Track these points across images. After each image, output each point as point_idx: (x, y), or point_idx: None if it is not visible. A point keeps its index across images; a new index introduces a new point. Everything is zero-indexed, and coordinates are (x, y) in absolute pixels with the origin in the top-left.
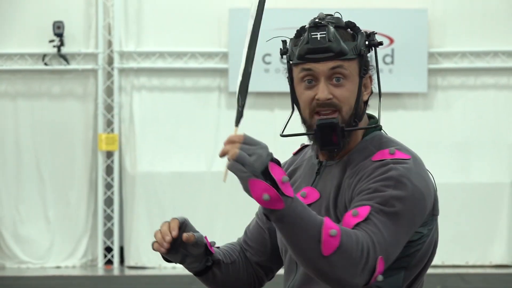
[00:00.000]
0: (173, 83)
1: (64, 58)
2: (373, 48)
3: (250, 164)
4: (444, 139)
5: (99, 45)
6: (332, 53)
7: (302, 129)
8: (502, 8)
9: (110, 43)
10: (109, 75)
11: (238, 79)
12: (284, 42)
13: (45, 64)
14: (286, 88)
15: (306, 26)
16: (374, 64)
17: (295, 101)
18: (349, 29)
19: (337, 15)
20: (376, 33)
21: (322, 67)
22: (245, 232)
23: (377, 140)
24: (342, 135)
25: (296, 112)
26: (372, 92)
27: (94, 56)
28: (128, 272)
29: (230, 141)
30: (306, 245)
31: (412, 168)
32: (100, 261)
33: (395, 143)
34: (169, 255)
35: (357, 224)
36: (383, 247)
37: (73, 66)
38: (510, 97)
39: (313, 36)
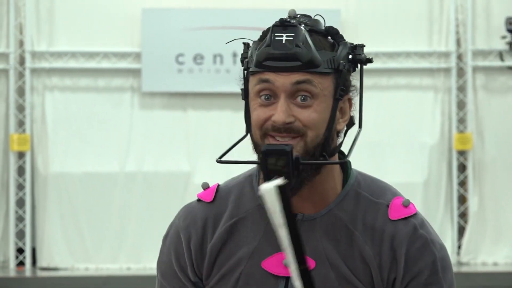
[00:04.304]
0: (86, 83)
1: None
2: (358, 65)
3: None
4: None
5: (11, 45)
6: (299, 62)
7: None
8: (414, 9)
9: (21, 43)
10: (21, 75)
11: None
12: (246, 45)
13: None
14: (199, 88)
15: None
16: (358, 86)
17: (247, 121)
18: (329, 37)
19: (317, 17)
20: (364, 46)
21: (283, 80)
22: None
23: (363, 182)
24: (296, 168)
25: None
26: (351, 121)
27: (5, 56)
28: (41, 274)
29: None
30: None
31: (431, 230)
32: (12, 263)
33: (384, 183)
34: None
35: None
36: None
37: None
38: (422, 97)
39: (277, 38)
